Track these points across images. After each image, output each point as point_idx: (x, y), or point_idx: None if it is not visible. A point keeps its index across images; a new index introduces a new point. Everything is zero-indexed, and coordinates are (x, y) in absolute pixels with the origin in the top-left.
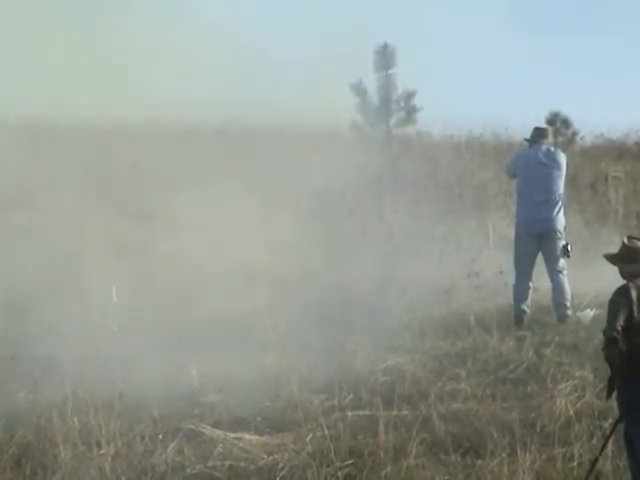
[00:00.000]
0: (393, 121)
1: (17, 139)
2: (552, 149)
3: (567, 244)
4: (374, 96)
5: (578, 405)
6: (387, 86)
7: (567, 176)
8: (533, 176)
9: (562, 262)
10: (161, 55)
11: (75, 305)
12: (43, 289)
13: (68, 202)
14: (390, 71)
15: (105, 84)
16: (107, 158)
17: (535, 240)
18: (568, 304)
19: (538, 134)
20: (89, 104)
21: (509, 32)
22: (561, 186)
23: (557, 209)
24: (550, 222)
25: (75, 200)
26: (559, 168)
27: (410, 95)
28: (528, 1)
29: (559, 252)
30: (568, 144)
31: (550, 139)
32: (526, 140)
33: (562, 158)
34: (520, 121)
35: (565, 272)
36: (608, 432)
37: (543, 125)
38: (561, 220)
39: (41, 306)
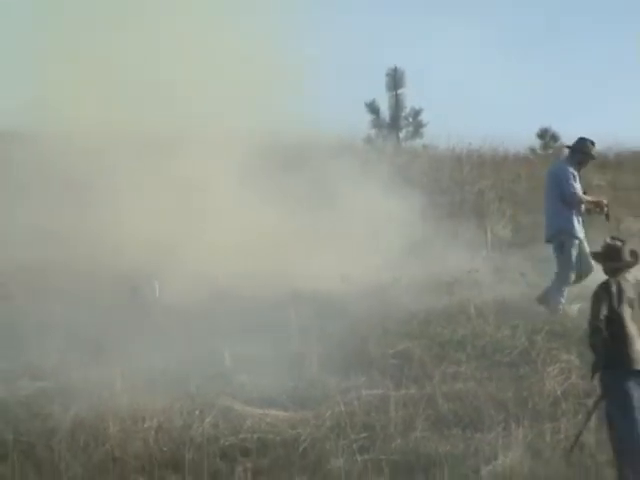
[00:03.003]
0: (402, 135)
1: None
2: (554, 163)
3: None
4: (386, 113)
5: (565, 385)
6: (397, 104)
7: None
8: (545, 188)
9: (559, 261)
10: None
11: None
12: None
13: None
14: (399, 91)
15: None
16: None
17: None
18: (561, 299)
19: (561, 151)
20: None
21: (506, 55)
22: (556, 195)
23: (552, 215)
24: (547, 228)
25: None
26: (552, 180)
27: (417, 112)
28: (522, 27)
29: (555, 252)
30: (554, 158)
31: (565, 153)
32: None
33: (552, 172)
34: (515, 135)
35: (561, 270)
36: (591, 409)
37: (569, 143)
38: (554, 225)
39: (87, 297)
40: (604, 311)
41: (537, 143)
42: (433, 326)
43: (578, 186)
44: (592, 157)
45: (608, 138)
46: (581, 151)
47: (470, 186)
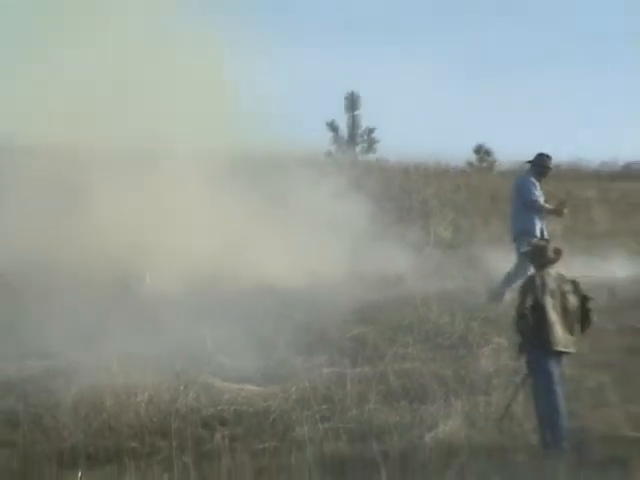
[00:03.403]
0: (358, 150)
1: None
2: (519, 175)
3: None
4: (344, 131)
5: (497, 364)
6: (354, 124)
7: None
8: (511, 196)
9: (518, 258)
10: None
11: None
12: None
13: None
14: (356, 112)
15: None
16: None
17: None
18: (507, 290)
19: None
20: None
21: (449, 83)
22: (520, 203)
23: (516, 219)
24: (512, 230)
25: None
26: (517, 190)
27: (371, 131)
28: (460, 62)
29: (517, 251)
30: (489, 169)
31: (527, 167)
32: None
33: (517, 183)
34: (455, 151)
35: (517, 266)
36: (519, 385)
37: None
38: (518, 227)
39: (87, 289)
40: (529, 301)
41: (473, 157)
42: (384, 314)
43: (539, 194)
44: (549, 169)
45: (531, 152)
46: (540, 164)
47: (416, 194)
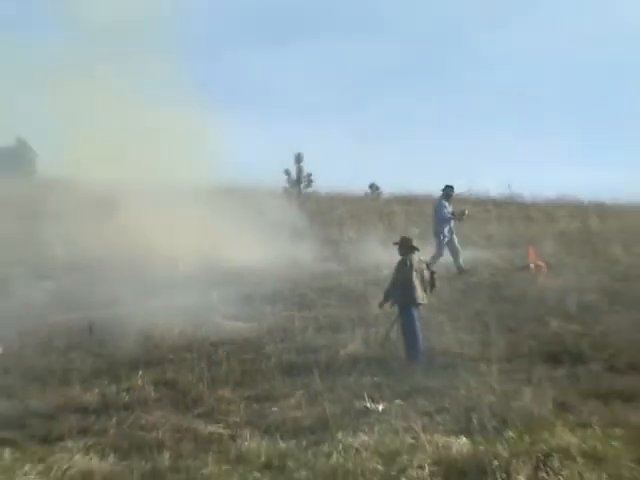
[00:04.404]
0: (302, 186)
1: None
2: (437, 199)
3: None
4: (294, 175)
5: (380, 310)
6: (299, 170)
7: (374, 211)
8: (432, 213)
9: (437, 245)
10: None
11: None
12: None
13: None
14: (301, 164)
15: None
16: None
17: None
18: (435, 262)
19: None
20: None
21: (355, 142)
22: (438, 216)
23: (434, 227)
24: (434, 232)
25: None
26: (435, 209)
27: (310, 175)
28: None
29: (436, 242)
30: (377, 197)
31: (441, 194)
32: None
33: (436, 204)
34: (358, 186)
35: (437, 250)
36: (393, 321)
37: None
38: (436, 231)
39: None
40: (401, 274)
41: (368, 190)
42: (316, 281)
43: (448, 210)
44: (452, 195)
45: (403, 187)
46: (447, 192)
47: (335, 212)
